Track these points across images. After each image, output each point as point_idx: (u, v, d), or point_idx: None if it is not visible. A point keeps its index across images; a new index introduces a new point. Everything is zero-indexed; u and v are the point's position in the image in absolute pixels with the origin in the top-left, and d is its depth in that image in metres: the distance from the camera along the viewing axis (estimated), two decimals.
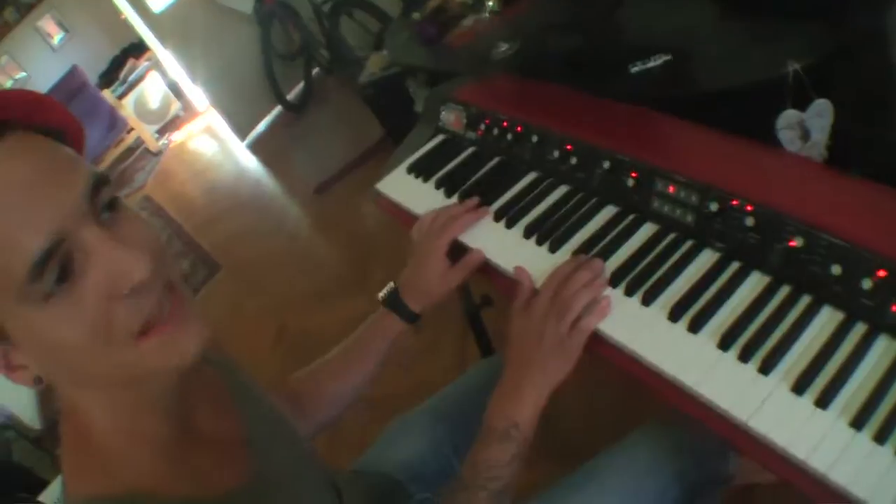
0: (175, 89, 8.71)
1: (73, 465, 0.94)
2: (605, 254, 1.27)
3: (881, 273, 0.98)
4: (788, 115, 1.62)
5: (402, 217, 1.68)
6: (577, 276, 1.22)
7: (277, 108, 6.50)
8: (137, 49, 8.77)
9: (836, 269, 1.02)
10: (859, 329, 1.00)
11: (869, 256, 0.99)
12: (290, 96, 6.42)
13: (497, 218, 1.46)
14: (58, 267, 0.77)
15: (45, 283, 0.76)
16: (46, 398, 4.53)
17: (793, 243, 1.08)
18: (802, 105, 1.61)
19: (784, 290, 1.09)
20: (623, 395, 2.29)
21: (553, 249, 1.33)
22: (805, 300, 1.06)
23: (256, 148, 6.34)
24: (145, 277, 0.81)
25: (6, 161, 0.78)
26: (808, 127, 1.63)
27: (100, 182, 0.83)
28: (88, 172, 0.82)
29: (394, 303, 1.49)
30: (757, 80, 1.67)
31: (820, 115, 1.61)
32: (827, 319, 1.03)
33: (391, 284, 1.52)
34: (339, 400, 1.53)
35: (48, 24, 8.67)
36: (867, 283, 0.99)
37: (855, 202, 1.13)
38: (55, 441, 4.23)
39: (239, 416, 1.15)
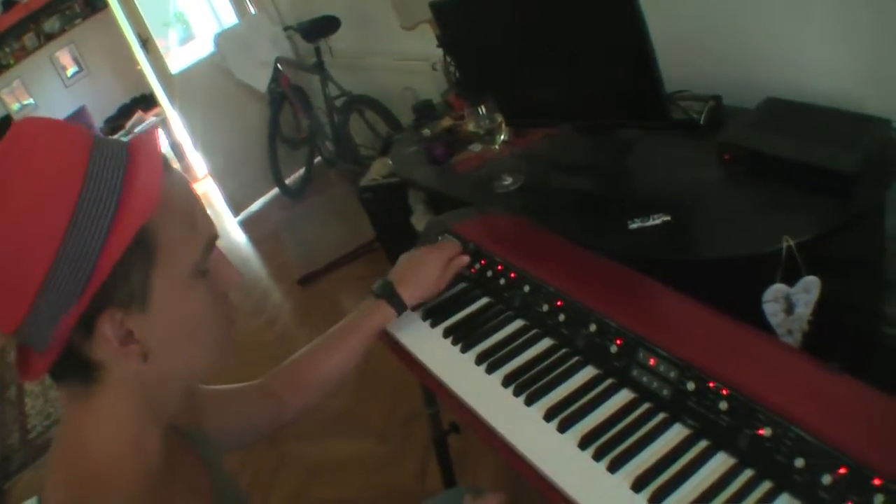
0: (177, 150, 8.71)
1: (60, 474, 1.01)
2: (580, 415, 1.29)
3: (842, 470, 1.00)
4: (776, 289, 1.66)
5: (384, 339, 1.71)
6: None
7: (275, 191, 6.49)
8: (147, 102, 8.68)
9: (799, 462, 1.05)
10: None
11: (833, 453, 1.02)
12: (289, 181, 6.42)
13: (479, 361, 1.49)
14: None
15: (208, 259, 1.05)
16: (2, 432, 4.50)
17: (761, 431, 1.10)
18: (791, 279, 1.64)
19: (747, 474, 1.11)
20: None
21: (528, 403, 1.36)
22: (765, 485, 1.08)
23: (248, 225, 6.32)
24: (240, 284, 1.14)
25: (188, 181, 1.07)
26: (793, 301, 1.67)
27: None
28: None
29: (388, 293, 1.64)
30: (751, 252, 1.71)
31: (807, 291, 1.65)
32: None
33: (383, 279, 1.68)
34: (323, 380, 1.60)
35: (64, 57, 8.62)
36: (827, 479, 1.01)
37: (829, 398, 1.15)
38: (7, 474, 4.17)
39: (208, 481, 1.22)
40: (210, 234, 1.05)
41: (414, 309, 1.67)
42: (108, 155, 0.95)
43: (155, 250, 0.96)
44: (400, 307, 1.64)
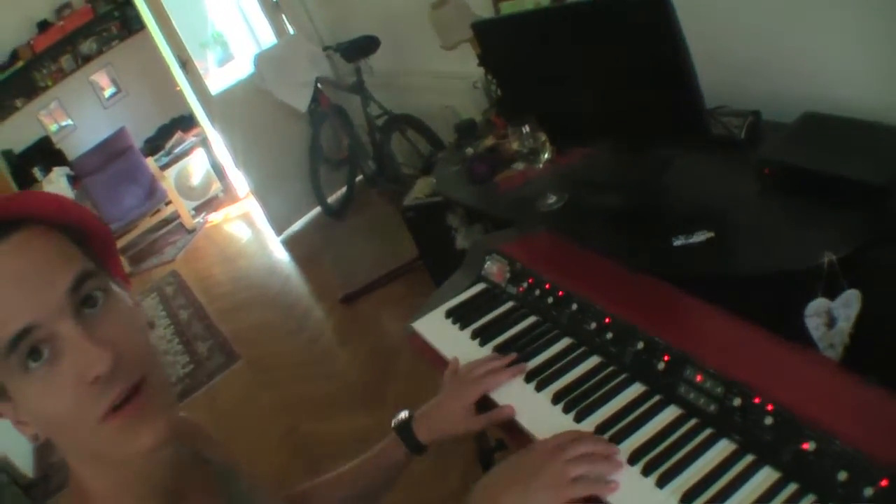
0: (218, 170, 8.78)
1: None
2: (628, 431, 1.31)
3: (884, 483, 1.02)
4: (818, 304, 1.68)
5: (432, 358, 1.74)
6: (596, 442, 1.28)
7: (316, 209, 6.56)
8: (187, 122, 8.84)
9: (842, 475, 1.06)
10: None
11: (875, 466, 1.04)
12: (331, 200, 6.48)
13: (528, 379, 1.52)
14: (28, 348, 0.90)
15: (17, 356, 0.89)
16: (45, 451, 4.53)
17: (805, 446, 1.12)
18: (832, 293, 1.66)
19: (791, 487, 1.12)
20: None
21: (578, 419, 1.38)
22: (810, 499, 1.10)
23: (291, 244, 6.40)
24: (105, 371, 0.90)
25: (9, 254, 0.93)
26: (834, 315, 1.68)
27: (84, 277, 0.96)
28: (77, 268, 0.96)
29: (403, 431, 1.54)
30: (794, 268, 1.73)
31: (847, 305, 1.66)
32: None
33: (406, 413, 1.58)
34: None
35: (101, 78, 8.74)
36: (869, 491, 1.03)
37: (870, 411, 1.18)
38: (47, 492, 4.22)
39: None
40: (3, 335, 0.90)
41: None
42: None
43: None
44: (415, 447, 1.56)
